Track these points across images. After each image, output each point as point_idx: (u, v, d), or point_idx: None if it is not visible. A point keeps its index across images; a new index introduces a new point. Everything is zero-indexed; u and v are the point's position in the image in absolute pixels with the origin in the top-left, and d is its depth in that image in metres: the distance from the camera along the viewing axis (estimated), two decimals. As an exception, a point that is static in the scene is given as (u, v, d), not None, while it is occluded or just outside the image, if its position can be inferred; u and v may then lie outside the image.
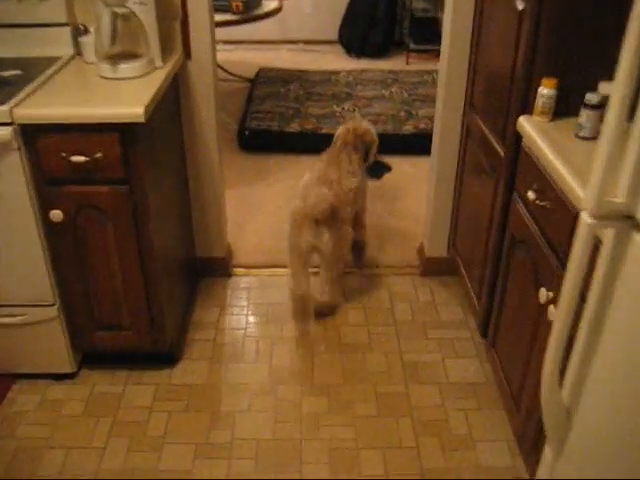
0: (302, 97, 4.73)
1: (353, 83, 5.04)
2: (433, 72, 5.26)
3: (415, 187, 3.73)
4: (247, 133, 4.17)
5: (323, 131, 4.11)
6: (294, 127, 4.21)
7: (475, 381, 2.41)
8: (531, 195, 1.79)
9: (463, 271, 2.67)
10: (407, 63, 5.85)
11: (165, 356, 2.44)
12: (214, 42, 2.52)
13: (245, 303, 2.82)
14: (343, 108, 4.51)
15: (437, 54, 6.18)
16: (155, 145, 2.17)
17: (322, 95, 4.77)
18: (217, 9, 3.32)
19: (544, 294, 1.69)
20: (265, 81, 5.08)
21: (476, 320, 2.53)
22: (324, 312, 2.73)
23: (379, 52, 6.06)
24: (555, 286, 1.67)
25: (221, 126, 2.70)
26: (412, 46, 5.87)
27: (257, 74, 5.28)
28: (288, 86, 4.95)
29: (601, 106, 1.73)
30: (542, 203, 1.74)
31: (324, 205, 2.44)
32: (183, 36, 2.41)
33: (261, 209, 3.51)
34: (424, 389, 2.38)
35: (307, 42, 6.32)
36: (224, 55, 5.61)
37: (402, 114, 4.41)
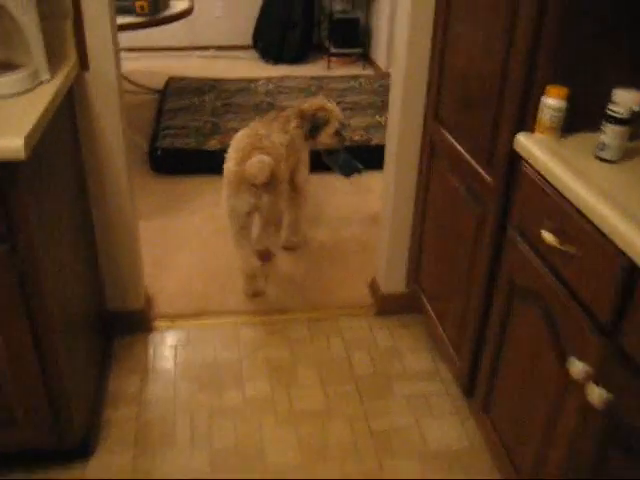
0: (219, 109, 4.23)
1: (274, 92, 4.58)
2: (359, 77, 4.89)
3: (359, 209, 3.32)
4: (159, 153, 3.62)
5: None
6: (213, 144, 3.70)
7: (458, 447, 2.01)
8: (548, 236, 1.39)
9: (430, 310, 2.27)
10: (328, 68, 5.47)
11: (76, 449, 1.91)
12: (117, 46, 2.01)
13: (172, 365, 2.31)
14: (266, 120, 4.04)
15: (359, 58, 5.94)
16: (45, 184, 1.64)
17: (242, 106, 4.28)
18: (118, 10, 2.79)
19: (578, 367, 1.30)
20: (176, 92, 4.54)
21: (453, 372, 2.14)
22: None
23: (297, 57, 5.66)
24: (592, 357, 1.28)
25: (128, 146, 2.19)
26: (333, 50, 5.49)
27: (166, 84, 4.73)
28: (203, 97, 4.44)
29: (630, 120, 1.37)
30: (564, 247, 1.35)
31: (265, 175, 2.36)
32: (77, 40, 1.88)
33: (184, 243, 2.99)
34: (401, 464, 1.95)
35: (219, 48, 5.82)
36: (127, 64, 5.04)
37: (333, 125, 3.98)
